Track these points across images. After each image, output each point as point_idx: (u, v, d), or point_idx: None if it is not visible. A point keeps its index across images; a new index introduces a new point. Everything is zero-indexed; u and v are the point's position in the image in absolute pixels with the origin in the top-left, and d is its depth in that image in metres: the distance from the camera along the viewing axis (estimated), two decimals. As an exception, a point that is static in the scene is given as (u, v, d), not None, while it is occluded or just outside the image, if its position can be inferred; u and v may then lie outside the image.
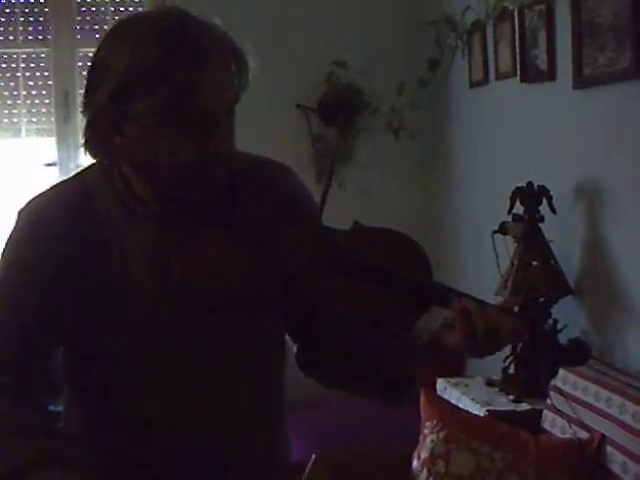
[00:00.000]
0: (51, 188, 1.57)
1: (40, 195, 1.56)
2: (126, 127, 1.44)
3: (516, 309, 1.52)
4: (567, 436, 2.64)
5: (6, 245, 1.53)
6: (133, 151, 1.45)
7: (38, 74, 4.42)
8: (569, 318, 3.01)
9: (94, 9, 4.42)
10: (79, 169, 1.60)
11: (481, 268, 3.62)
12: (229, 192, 1.49)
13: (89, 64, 1.49)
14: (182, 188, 1.47)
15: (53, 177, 4.26)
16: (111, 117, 1.44)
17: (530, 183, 3.13)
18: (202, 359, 1.52)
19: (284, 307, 1.52)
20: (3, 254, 1.53)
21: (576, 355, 1.46)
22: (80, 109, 1.51)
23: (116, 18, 4.41)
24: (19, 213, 1.54)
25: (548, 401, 2.80)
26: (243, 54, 1.47)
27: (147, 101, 1.41)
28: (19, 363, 1.47)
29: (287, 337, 1.65)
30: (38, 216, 1.52)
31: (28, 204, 1.55)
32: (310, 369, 1.65)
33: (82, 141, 1.49)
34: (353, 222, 1.53)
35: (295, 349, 1.65)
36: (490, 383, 3.26)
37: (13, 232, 1.53)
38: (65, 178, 1.61)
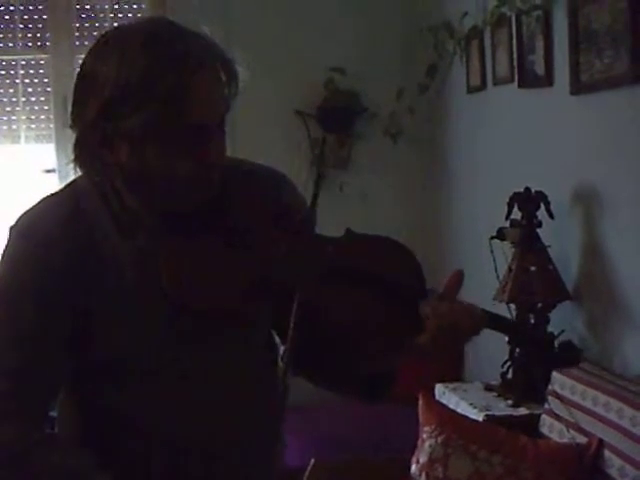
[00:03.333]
0: (41, 201, 1.54)
1: (31, 210, 1.52)
2: (117, 144, 1.42)
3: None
4: (565, 441, 2.65)
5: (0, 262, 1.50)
6: (124, 167, 1.43)
7: (37, 80, 4.42)
8: (567, 323, 3.02)
9: (93, 15, 4.42)
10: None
11: (479, 274, 3.61)
12: (220, 200, 1.48)
13: (76, 78, 1.46)
14: (174, 200, 1.46)
15: (52, 183, 4.26)
16: (101, 134, 1.41)
17: (528, 188, 3.14)
18: (198, 365, 1.52)
19: (275, 313, 1.52)
20: None
21: (566, 357, 1.51)
22: (69, 124, 1.47)
23: (115, 24, 4.41)
24: (10, 230, 1.51)
25: (546, 406, 2.80)
26: (232, 63, 1.45)
27: (137, 117, 1.38)
28: (20, 381, 1.44)
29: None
30: (31, 231, 1.49)
31: (20, 220, 1.51)
32: (298, 368, 1.65)
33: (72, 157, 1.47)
34: (345, 229, 1.54)
35: (282, 350, 1.65)
36: (488, 388, 3.27)
37: (7, 249, 1.50)
38: (55, 190, 1.57)
